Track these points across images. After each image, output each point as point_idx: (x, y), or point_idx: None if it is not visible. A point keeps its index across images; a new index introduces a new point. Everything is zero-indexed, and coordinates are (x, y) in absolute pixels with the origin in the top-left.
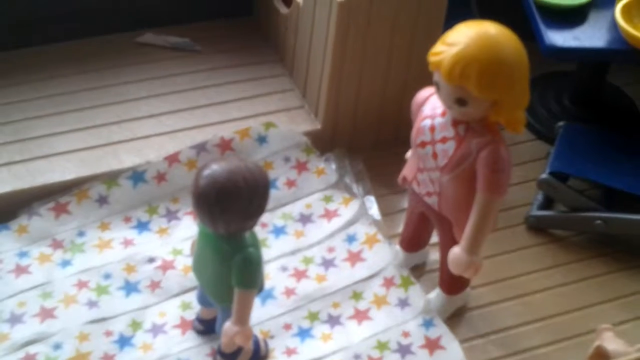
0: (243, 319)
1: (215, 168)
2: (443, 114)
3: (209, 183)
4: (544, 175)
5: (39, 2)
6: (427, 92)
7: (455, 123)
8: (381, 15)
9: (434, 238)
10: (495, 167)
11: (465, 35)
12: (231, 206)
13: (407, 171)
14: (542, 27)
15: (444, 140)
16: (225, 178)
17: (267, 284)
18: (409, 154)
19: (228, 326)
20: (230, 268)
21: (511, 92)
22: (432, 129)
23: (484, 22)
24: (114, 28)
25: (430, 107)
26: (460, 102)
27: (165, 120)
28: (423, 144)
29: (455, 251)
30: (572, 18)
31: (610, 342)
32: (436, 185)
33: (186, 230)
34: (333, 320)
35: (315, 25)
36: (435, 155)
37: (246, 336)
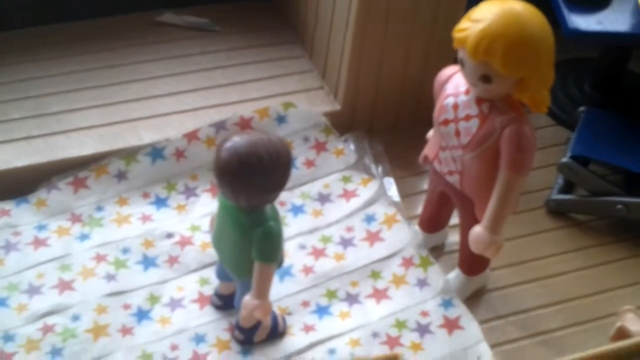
0: (263, 292)
1: (237, 140)
2: (467, 92)
3: (231, 155)
4: (565, 159)
5: None
6: (450, 70)
7: (479, 101)
8: None
9: (453, 220)
10: (519, 145)
11: (490, 12)
12: (253, 179)
13: (429, 150)
14: (565, 10)
15: (467, 118)
16: (247, 150)
17: (286, 262)
18: (430, 133)
19: (247, 300)
20: (251, 241)
21: (536, 69)
22: (456, 106)
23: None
24: (134, 7)
25: (454, 85)
26: (485, 79)
27: (185, 99)
28: (446, 122)
29: (477, 230)
30: (595, 2)
31: (633, 322)
32: (458, 163)
33: (204, 207)
34: (351, 299)
35: (336, 6)
36: (458, 133)
37: (266, 310)
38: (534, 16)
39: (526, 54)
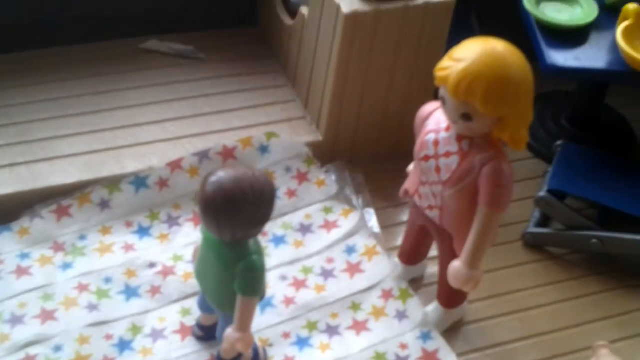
0: (245, 325)
1: (222, 175)
2: (447, 129)
3: (216, 189)
4: (542, 193)
5: (44, 5)
6: (431, 106)
7: (459, 138)
8: (386, 29)
9: (433, 252)
10: (498, 182)
11: (472, 52)
12: (237, 213)
13: (409, 184)
14: (543, 46)
15: (447, 154)
16: (232, 185)
17: (267, 293)
18: (411, 167)
19: (229, 332)
20: (234, 275)
21: (516, 109)
22: (436, 143)
23: (491, 39)
24: (119, 34)
25: (435, 121)
26: (466, 117)
27: (169, 127)
28: (426, 158)
29: (455, 265)
30: (573, 38)
31: (607, 359)
32: (438, 199)
33: (187, 236)
34: (331, 330)
35: (320, 37)
36: (438, 169)
37: (247, 343)
38: (515, 57)
39: (507, 95)
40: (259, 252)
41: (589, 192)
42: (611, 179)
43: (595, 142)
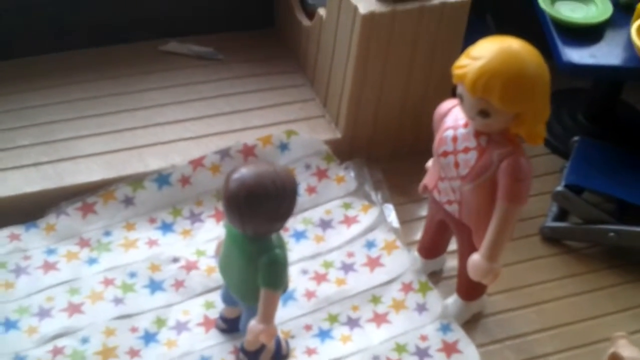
0: (268, 317)
1: (244, 172)
2: (465, 125)
3: (238, 186)
4: (560, 188)
5: (66, 8)
6: (450, 103)
7: (477, 134)
8: (403, 29)
9: (452, 246)
10: (516, 177)
11: (489, 50)
12: (260, 209)
13: (428, 180)
14: (559, 43)
15: (466, 150)
16: (254, 181)
17: (289, 286)
18: (429, 163)
19: (253, 324)
20: (257, 269)
21: (533, 105)
22: (455, 139)
23: (507, 38)
24: (139, 36)
25: (453, 118)
26: (483, 113)
27: (190, 126)
28: (445, 154)
29: (475, 258)
30: (588, 36)
31: (625, 349)
32: (457, 193)
33: (209, 232)
34: (352, 323)
35: (338, 38)
36: (457, 165)
37: (270, 334)
38: (531, 54)
39: (523, 91)
40: (282, 246)
41: (606, 186)
42: (627, 173)
43: (611, 137)
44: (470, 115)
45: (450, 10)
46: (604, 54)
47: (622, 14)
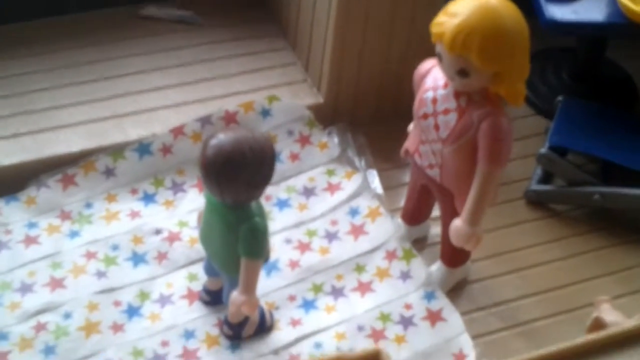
0: (250, 288)
1: (222, 138)
2: (445, 86)
3: (216, 152)
4: (544, 150)
5: None
6: (429, 64)
7: (457, 95)
8: None
9: (435, 212)
10: (496, 137)
11: (467, 6)
12: (238, 175)
13: (410, 143)
14: (541, 0)
15: (446, 112)
16: (231, 147)
17: (272, 256)
18: (411, 126)
19: (235, 295)
20: (237, 238)
21: (512, 63)
22: (434, 100)
23: None
24: (117, 1)
25: (432, 78)
26: (462, 73)
27: (170, 94)
28: (425, 116)
29: (457, 223)
30: None
31: (608, 313)
32: (438, 157)
33: (192, 202)
34: (337, 292)
35: (318, 0)
36: (437, 127)
37: (253, 305)
38: (509, 10)
39: (502, 48)
40: (261, 214)
41: (591, 147)
42: (613, 133)
43: (596, 96)
44: (450, 74)
45: None
46: (587, 10)
47: None
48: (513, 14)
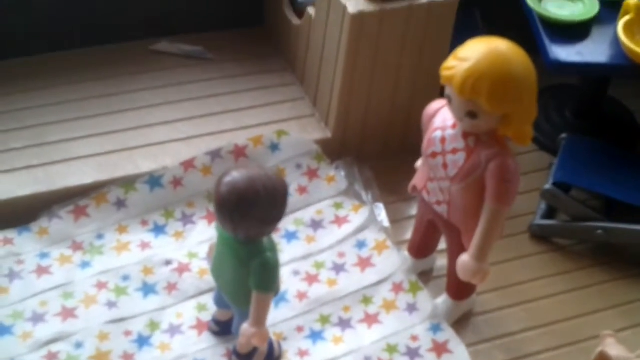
0: (260, 320)
1: (236, 175)
2: (454, 126)
3: (230, 190)
4: (548, 186)
5: (55, 9)
6: (438, 104)
7: (465, 135)
8: (391, 29)
9: (442, 245)
10: (503, 178)
11: (476, 51)
12: (251, 213)
13: (418, 180)
14: (546, 41)
15: (454, 151)
16: (245, 185)
17: (281, 288)
18: (419, 163)
19: (245, 327)
20: (249, 272)
21: (520, 107)
22: (443, 140)
23: (495, 39)
24: (129, 36)
25: (441, 119)
26: (471, 115)
27: (180, 127)
28: (434, 155)
29: (464, 258)
30: (575, 33)
31: (613, 348)
32: (446, 194)
33: (201, 234)
34: (344, 324)
35: (327, 37)
36: (445, 166)
37: (263, 337)
38: (518, 55)
39: (511, 93)
40: (273, 249)
41: (594, 184)
42: (615, 171)
43: (599, 134)
44: (459, 116)
45: (438, 9)
46: (591, 51)
47: (608, 11)
48: (522, 59)
